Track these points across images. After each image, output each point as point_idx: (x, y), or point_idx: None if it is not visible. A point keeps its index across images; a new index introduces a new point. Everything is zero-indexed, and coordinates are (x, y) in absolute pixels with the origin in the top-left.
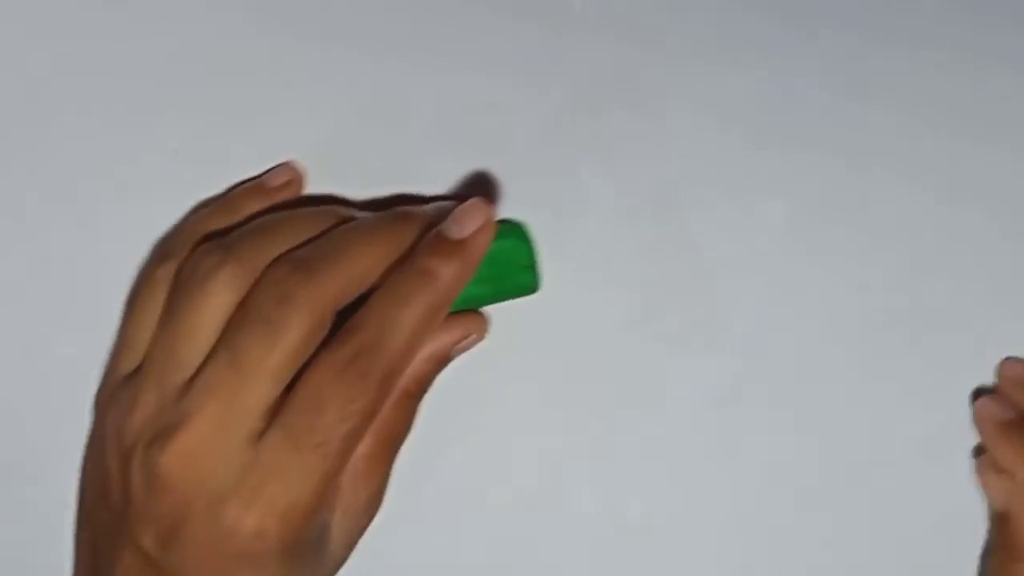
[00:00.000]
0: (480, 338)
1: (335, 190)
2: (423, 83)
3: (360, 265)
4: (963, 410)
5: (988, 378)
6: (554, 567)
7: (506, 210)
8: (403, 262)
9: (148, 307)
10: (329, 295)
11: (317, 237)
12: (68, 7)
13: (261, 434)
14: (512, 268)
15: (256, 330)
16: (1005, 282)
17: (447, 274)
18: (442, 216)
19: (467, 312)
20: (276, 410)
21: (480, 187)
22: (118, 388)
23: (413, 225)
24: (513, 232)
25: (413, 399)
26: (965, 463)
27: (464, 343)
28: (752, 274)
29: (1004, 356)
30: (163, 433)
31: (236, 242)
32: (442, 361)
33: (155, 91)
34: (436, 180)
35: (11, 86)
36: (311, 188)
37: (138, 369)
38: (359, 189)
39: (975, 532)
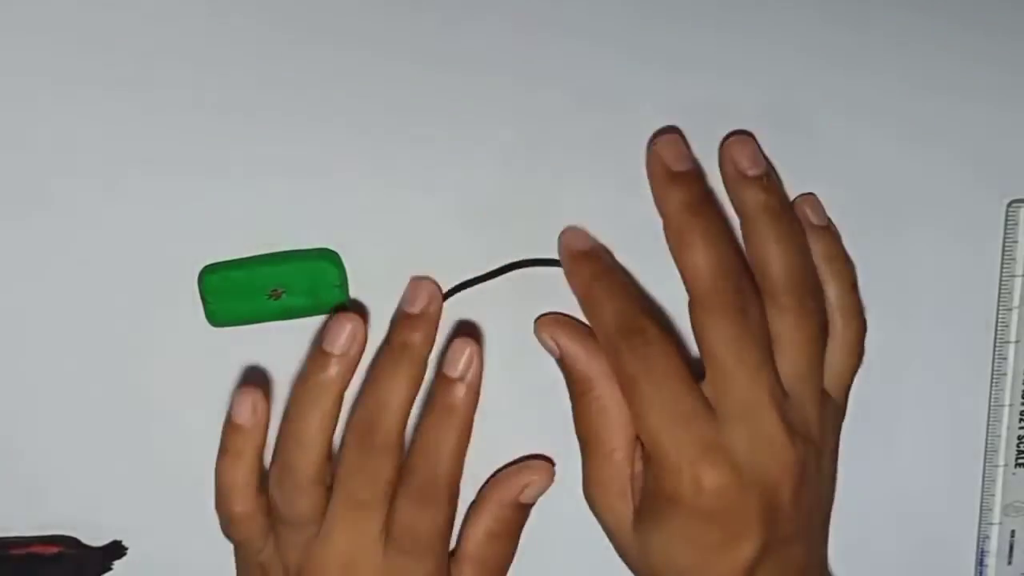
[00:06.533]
0: (544, 484)
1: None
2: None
3: (401, 401)
4: None
5: None
6: None
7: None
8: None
9: None
10: (393, 433)
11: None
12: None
13: (385, 551)
14: (325, 285)
15: (358, 478)
16: None
17: (462, 402)
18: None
19: (532, 462)
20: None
21: None
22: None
23: (417, 347)
24: (327, 257)
25: (500, 538)
26: None
27: (530, 489)
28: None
29: None
30: (308, 557)
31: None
32: (516, 506)
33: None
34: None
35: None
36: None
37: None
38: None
39: None
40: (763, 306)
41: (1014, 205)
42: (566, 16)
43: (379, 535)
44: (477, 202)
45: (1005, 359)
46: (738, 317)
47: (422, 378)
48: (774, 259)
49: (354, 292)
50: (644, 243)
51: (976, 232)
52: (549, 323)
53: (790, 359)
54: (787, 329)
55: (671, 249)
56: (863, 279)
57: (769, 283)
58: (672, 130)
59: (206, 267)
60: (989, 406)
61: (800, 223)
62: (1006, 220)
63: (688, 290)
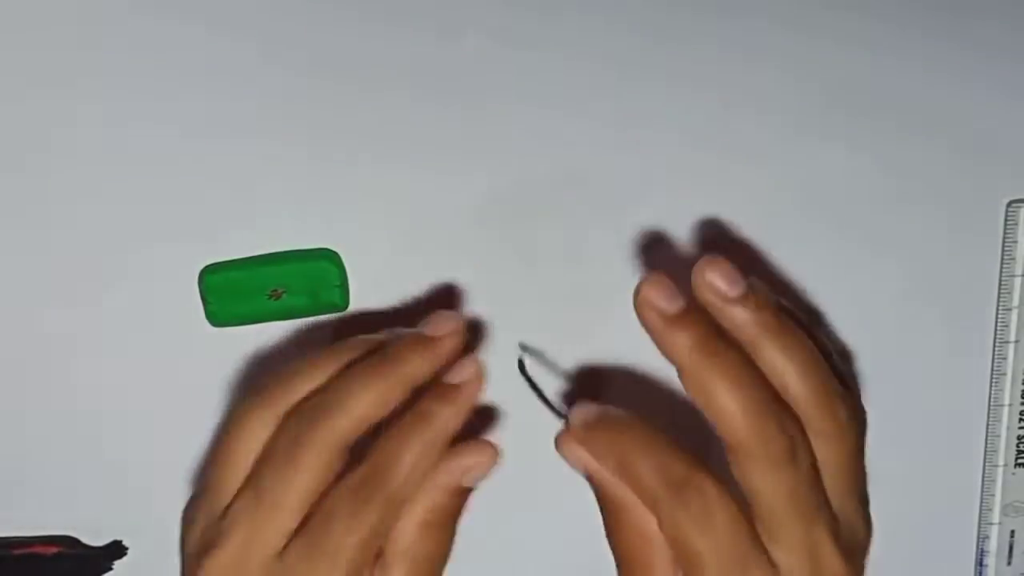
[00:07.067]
0: (489, 465)
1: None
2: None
3: (362, 408)
4: None
5: None
6: None
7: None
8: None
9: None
10: (336, 436)
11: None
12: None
13: (286, 548)
14: (325, 285)
15: (275, 470)
16: None
17: (443, 415)
18: (437, 353)
19: (476, 441)
20: (299, 529)
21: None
22: (188, 507)
23: (410, 367)
24: (327, 257)
25: (436, 528)
26: None
27: (473, 472)
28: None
29: None
30: (207, 547)
31: (267, 387)
32: (456, 492)
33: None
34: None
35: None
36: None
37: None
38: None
39: None
40: (806, 436)
41: (1014, 205)
42: (565, 26)
43: (284, 535)
44: (477, 202)
45: (1005, 359)
46: (790, 466)
47: (397, 400)
48: (793, 380)
49: (354, 292)
50: (645, 252)
51: (976, 232)
52: (574, 444)
53: (836, 479)
54: (829, 453)
55: (693, 397)
56: (863, 280)
57: (799, 409)
58: (654, 273)
59: (206, 267)
60: (989, 406)
61: (799, 326)
62: (1006, 220)
63: (724, 438)
